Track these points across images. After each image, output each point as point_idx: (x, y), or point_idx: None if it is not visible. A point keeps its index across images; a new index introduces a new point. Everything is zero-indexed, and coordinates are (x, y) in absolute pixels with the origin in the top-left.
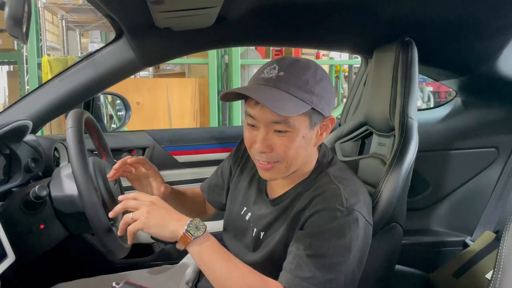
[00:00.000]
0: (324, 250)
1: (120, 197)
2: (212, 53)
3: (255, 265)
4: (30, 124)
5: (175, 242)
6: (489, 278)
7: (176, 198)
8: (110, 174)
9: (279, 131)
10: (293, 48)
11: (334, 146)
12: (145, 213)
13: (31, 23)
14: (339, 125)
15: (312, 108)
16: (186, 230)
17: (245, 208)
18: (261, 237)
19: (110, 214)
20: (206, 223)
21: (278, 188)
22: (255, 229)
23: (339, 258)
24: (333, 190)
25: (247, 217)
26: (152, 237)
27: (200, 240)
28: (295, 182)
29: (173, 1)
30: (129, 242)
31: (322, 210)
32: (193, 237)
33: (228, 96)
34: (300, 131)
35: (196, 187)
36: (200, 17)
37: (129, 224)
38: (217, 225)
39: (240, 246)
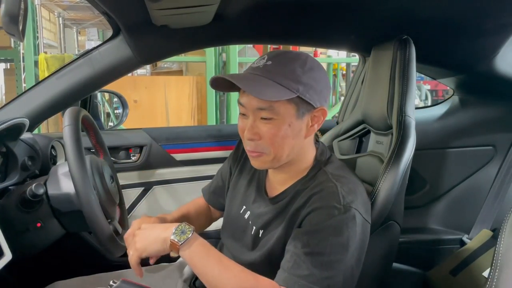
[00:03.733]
0: (322, 248)
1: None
2: (210, 51)
3: (253, 264)
4: (26, 122)
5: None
6: (486, 276)
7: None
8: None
9: (265, 118)
10: (291, 46)
11: (332, 144)
12: (134, 242)
13: (28, 20)
14: (337, 123)
15: (299, 97)
16: (172, 238)
17: (244, 207)
18: (260, 235)
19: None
20: None
21: (277, 186)
22: (254, 227)
23: (336, 255)
24: (331, 188)
25: (246, 216)
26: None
27: (189, 244)
28: (293, 180)
29: None
30: (140, 276)
31: (319, 208)
32: (179, 243)
33: (218, 85)
34: (286, 119)
35: (198, 198)
36: (198, 14)
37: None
38: (213, 224)
39: (238, 245)
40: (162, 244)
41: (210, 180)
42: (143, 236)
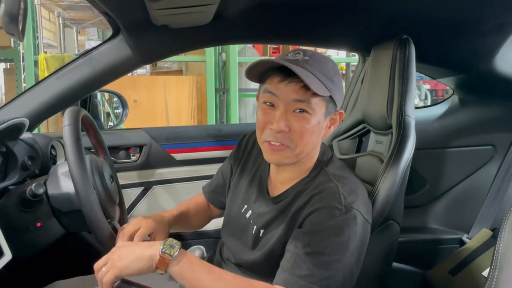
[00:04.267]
0: (322, 248)
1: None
2: (210, 51)
3: (254, 264)
4: (26, 121)
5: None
6: (486, 276)
7: (180, 222)
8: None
9: (300, 111)
10: (290, 46)
11: (332, 144)
12: (115, 259)
13: (28, 20)
14: None
15: (330, 97)
16: (162, 251)
17: (245, 206)
18: (260, 235)
19: None
20: None
21: (279, 185)
22: (255, 227)
23: (337, 255)
24: (332, 188)
25: (247, 215)
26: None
27: (178, 258)
28: (296, 180)
29: None
30: None
31: (320, 208)
32: (171, 257)
33: (253, 72)
34: (317, 116)
35: (197, 195)
36: (198, 14)
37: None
38: (213, 224)
39: (238, 244)
40: (147, 261)
41: (210, 179)
42: (126, 252)
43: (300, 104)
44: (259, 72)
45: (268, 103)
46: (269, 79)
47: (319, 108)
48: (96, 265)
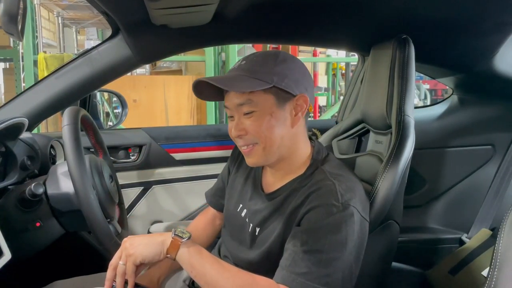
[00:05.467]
0: (320, 246)
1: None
2: (209, 51)
3: (252, 263)
4: (26, 121)
5: None
6: (485, 275)
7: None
8: None
9: (247, 113)
10: (290, 46)
11: (331, 143)
12: (128, 247)
13: (27, 20)
14: (336, 122)
15: (276, 87)
16: (175, 234)
17: (241, 205)
18: (256, 233)
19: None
20: None
21: (273, 183)
22: (250, 225)
23: (335, 253)
24: (329, 186)
25: (243, 214)
26: None
27: (188, 244)
28: (290, 177)
29: None
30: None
31: (318, 206)
32: (182, 239)
33: (202, 93)
34: (266, 110)
35: (203, 211)
36: (197, 14)
37: (124, 271)
38: None
39: (237, 243)
40: (159, 245)
41: (209, 180)
42: (138, 240)
43: (244, 107)
44: (211, 94)
45: (230, 117)
46: (224, 94)
47: (265, 101)
48: (112, 262)
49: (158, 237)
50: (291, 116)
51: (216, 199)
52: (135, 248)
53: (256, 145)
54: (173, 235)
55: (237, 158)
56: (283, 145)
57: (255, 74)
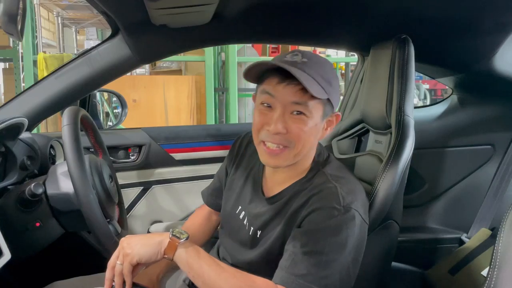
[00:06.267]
0: (320, 247)
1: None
2: (209, 50)
3: (251, 263)
4: (25, 121)
5: None
6: (485, 275)
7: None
8: None
9: (297, 113)
10: (290, 46)
11: (331, 143)
12: (125, 247)
13: (27, 20)
14: None
15: (327, 100)
16: (172, 235)
17: (240, 207)
18: (258, 236)
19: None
20: None
21: (275, 186)
22: (251, 228)
23: (334, 255)
24: (330, 189)
25: (241, 216)
26: None
27: (186, 244)
28: (292, 180)
29: None
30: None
31: (319, 208)
32: (180, 240)
33: (251, 73)
34: (314, 118)
35: (198, 209)
36: (197, 14)
37: (121, 272)
38: None
39: (235, 244)
40: (156, 246)
41: (209, 180)
42: (136, 240)
43: (297, 106)
44: (257, 73)
45: (265, 104)
46: (267, 80)
47: (316, 110)
48: (110, 263)
49: (155, 237)
50: (322, 130)
51: (213, 199)
52: (132, 248)
53: (287, 149)
54: (170, 235)
55: (235, 159)
56: (307, 152)
57: (319, 79)
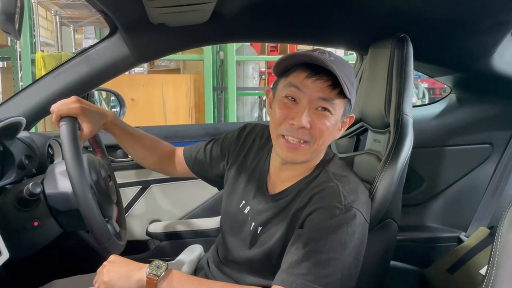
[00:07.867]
0: (321, 246)
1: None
2: (208, 49)
3: (251, 261)
4: (23, 120)
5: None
6: (483, 274)
7: (125, 135)
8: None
9: (322, 109)
10: (288, 45)
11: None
12: (104, 274)
13: (24, 19)
14: None
15: (349, 100)
16: (149, 273)
17: (244, 202)
18: (258, 232)
19: None
20: (201, 220)
21: (279, 183)
22: (253, 223)
23: (335, 254)
24: (332, 188)
25: (245, 211)
26: (147, 234)
27: (166, 277)
28: (297, 178)
29: None
30: None
31: (321, 208)
32: (157, 277)
33: (282, 66)
34: (336, 116)
35: (167, 144)
36: (195, 12)
37: None
38: (211, 222)
39: (236, 241)
40: (137, 282)
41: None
42: (116, 270)
43: (323, 102)
44: (287, 66)
45: (290, 98)
46: (295, 73)
47: (339, 108)
48: (94, 282)
49: (135, 274)
50: (337, 129)
51: (192, 161)
52: (110, 277)
53: (307, 144)
54: (147, 274)
55: (239, 152)
56: (321, 151)
57: (345, 79)
